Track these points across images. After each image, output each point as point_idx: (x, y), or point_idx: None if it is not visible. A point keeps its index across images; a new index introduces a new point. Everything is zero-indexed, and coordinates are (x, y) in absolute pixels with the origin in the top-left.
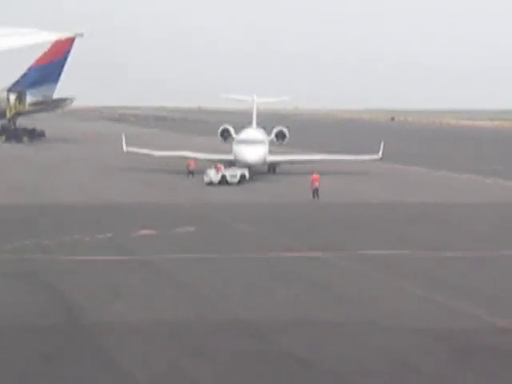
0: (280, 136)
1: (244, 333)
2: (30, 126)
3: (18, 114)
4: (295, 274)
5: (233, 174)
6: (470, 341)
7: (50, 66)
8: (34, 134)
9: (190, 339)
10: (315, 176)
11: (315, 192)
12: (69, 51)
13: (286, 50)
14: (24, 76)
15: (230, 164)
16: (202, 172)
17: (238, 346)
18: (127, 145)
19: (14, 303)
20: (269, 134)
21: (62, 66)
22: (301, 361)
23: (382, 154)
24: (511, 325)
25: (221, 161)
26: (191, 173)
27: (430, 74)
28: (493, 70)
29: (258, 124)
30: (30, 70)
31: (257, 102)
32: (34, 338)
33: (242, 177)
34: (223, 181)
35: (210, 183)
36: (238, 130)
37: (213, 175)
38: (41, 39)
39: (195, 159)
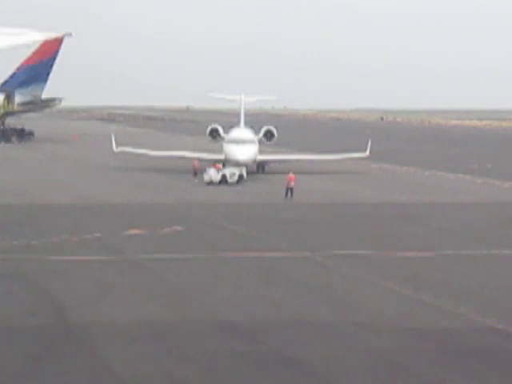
0: (268, 135)
1: (232, 333)
2: (18, 126)
3: (7, 114)
4: (284, 274)
5: (232, 173)
6: (459, 340)
7: (39, 65)
8: (23, 134)
9: (177, 339)
10: (291, 176)
11: (289, 191)
12: (57, 51)
13: (278, 51)
14: (13, 76)
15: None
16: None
17: (225, 346)
18: (117, 145)
19: (1, 303)
20: (257, 133)
21: (51, 66)
22: (290, 361)
23: (370, 152)
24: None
25: (211, 160)
26: (195, 173)
27: (421, 74)
28: (483, 71)
29: (246, 123)
30: (18, 69)
31: (244, 101)
32: (21, 338)
33: (240, 176)
34: (223, 180)
35: (211, 182)
36: (226, 129)
37: (213, 174)
38: (29, 39)
39: (189, 158)
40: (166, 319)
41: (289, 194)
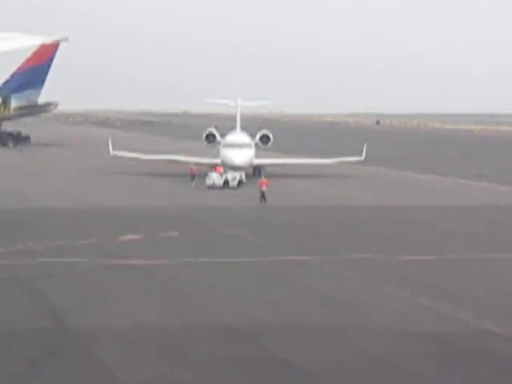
0: (264, 139)
1: (231, 337)
2: (14, 131)
3: (3, 118)
4: (283, 277)
5: (233, 177)
6: (457, 344)
7: (35, 70)
8: (19, 139)
9: (176, 344)
10: (263, 180)
11: (263, 195)
12: (54, 56)
13: (274, 54)
14: (9, 80)
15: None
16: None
17: (225, 350)
18: (114, 149)
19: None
20: (253, 137)
21: (47, 71)
22: (289, 365)
23: (365, 156)
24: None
25: (207, 164)
26: (193, 177)
27: (419, 77)
28: (479, 75)
29: (242, 128)
30: (14, 74)
31: (240, 105)
32: (20, 342)
33: (240, 180)
34: (226, 184)
35: (213, 186)
36: (222, 133)
37: (216, 178)
38: (26, 43)
39: (184, 162)
40: (166, 323)
41: (263, 198)
